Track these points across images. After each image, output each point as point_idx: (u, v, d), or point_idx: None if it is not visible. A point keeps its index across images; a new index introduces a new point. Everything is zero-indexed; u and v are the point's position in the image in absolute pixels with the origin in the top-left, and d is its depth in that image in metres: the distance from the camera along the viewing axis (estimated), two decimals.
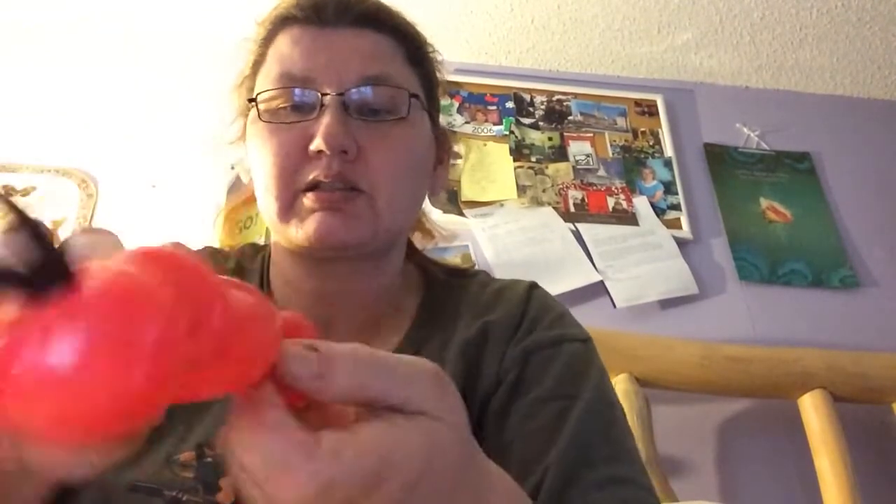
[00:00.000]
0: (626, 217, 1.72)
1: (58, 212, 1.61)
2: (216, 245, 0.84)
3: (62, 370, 0.20)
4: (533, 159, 1.80)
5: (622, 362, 1.38)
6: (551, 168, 1.79)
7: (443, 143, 0.66)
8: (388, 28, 0.59)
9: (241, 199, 1.56)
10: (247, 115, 0.60)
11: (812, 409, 1.40)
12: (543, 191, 1.75)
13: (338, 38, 0.57)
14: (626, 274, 1.61)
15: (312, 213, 0.54)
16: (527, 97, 1.91)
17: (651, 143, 1.87)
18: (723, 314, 1.63)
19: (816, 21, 1.78)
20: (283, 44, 0.58)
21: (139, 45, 1.85)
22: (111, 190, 1.67)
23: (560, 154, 1.82)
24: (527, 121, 1.87)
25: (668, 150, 1.85)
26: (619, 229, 1.69)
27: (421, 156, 0.60)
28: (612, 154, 1.84)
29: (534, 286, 0.63)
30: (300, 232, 0.54)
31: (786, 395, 1.45)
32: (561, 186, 1.76)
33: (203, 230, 1.44)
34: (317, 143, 0.52)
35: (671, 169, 1.82)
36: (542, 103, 1.90)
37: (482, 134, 1.83)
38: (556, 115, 1.89)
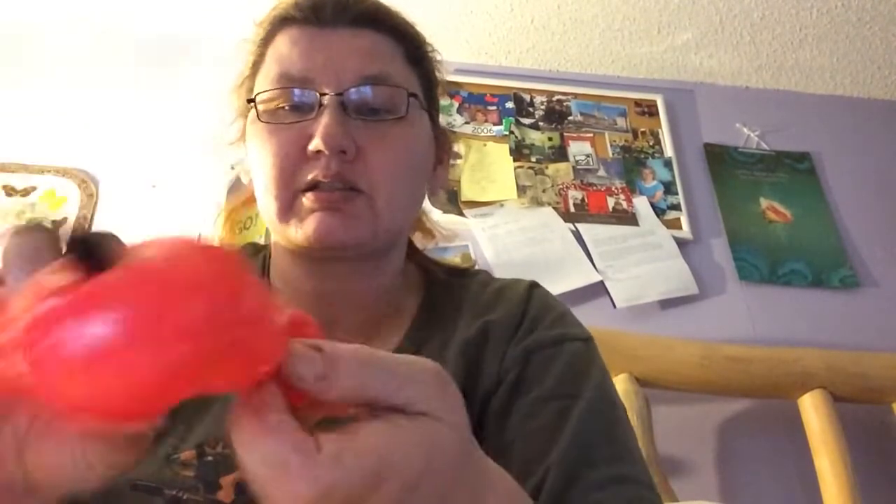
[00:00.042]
0: (626, 217, 1.72)
1: (58, 212, 1.61)
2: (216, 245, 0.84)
3: (105, 342, 0.21)
4: (533, 159, 1.80)
5: (622, 362, 1.38)
6: (551, 168, 1.79)
7: (443, 143, 0.66)
8: (387, 28, 0.59)
9: (241, 199, 1.56)
10: (246, 116, 0.60)
11: (812, 409, 1.40)
12: (543, 191, 1.75)
13: (336, 38, 0.57)
14: (626, 274, 1.61)
15: (312, 214, 0.54)
16: (527, 97, 1.91)
17: (651, 144, 1.87)
18: (723, 314, 1.63)
19: (816, 21, 1.78)
20: (282, 44, 0.58)
21: (139, 45, 1.85)
22: (111, 190, 1.67)
23: (560, 154, 1.82)
24: (527, 121, 1.87)
25: (668, 151, 1.85)
26: (619, 229, 1.69)
27: (420, 155, 0.60)
28: (612, 154, 1.84)
29: (534, 285, 0.63)
30: (299, 232, 0.54)
31: (786, 395, 1.45)
32: (561, 186, 1.76)
33: (203, 230, 1.45)
34: (315, 144, 0.52)
35: (671, 169, 1.82)
36: (542, 103, 1.90)
37: (482, 134, 1.83)
38: (556, 116, 1.89)
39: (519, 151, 1.80)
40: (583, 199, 1.75)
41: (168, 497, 0.47)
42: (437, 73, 0.65)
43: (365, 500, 0.26)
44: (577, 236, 1.66)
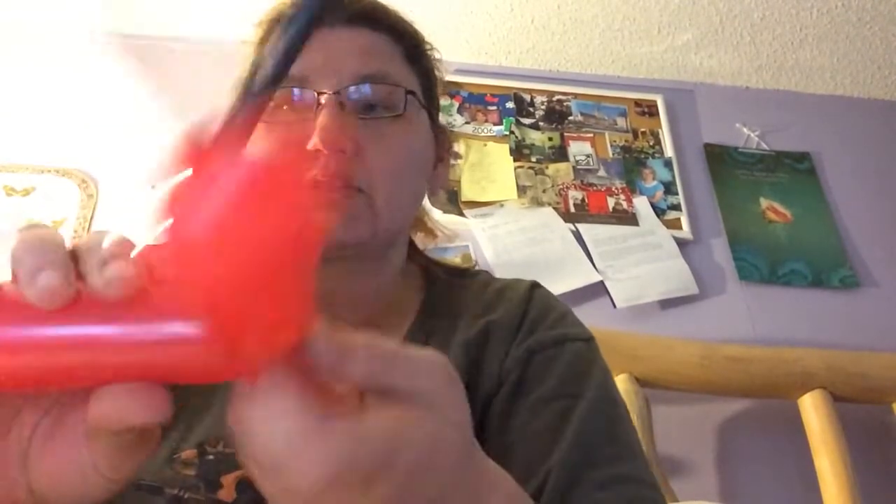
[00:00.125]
0: (626, 217, 1.72)
1: (58, 212, 1.61)
2: None
3: (235, 216, 0.22)
4: (533, 159, 1.80)
5: (622, 362, 1.38)
6: (551, 168, 1.79)
7: (442, 142, 0.66)
8: (385, 26, 0.59)
9: None
10: None
11: (812, 409, 1.40)
12: (543, 191, 1.75)
13: (334, 37, 0.57)
14: (626, 274, 1.61)
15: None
16: (527, 97, 1.91)
17: (651, 144, 1.87)
18: (723, 314, 1.63)
19: (816, 21, 1.78)
20: None
21: (139, 45, 1.85)
22: (111, 190, 1.67)
23: (560, 154, 1.82)
24: (527, 121, 1.87)
25: (668, 151, 1.85)
26: (619, 229, 1.69)
27: (420, 153, 0.60)
28: (613, 154, 1.84)
29: (536, 286, 0.63)
30: None
31: (786, 395, 1.45)
32: (561, 187, 1.76)
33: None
34: (314, 142, 0.52)
35: (671, 169, 1.82)
36: (542, 103, 1.90)
37: (482, 134, 1.83)
38: (556, 116, 1.89)
39: (519, 151, 1.80)
40: (583, 200, 1.75)
41: (169, 496, 0.47)
42: (437, 72, 0.65)
43: (374, 483, 0.26)
44: (577, 236, 1.66)
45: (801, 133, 1.94)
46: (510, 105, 1.88)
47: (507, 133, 1.82)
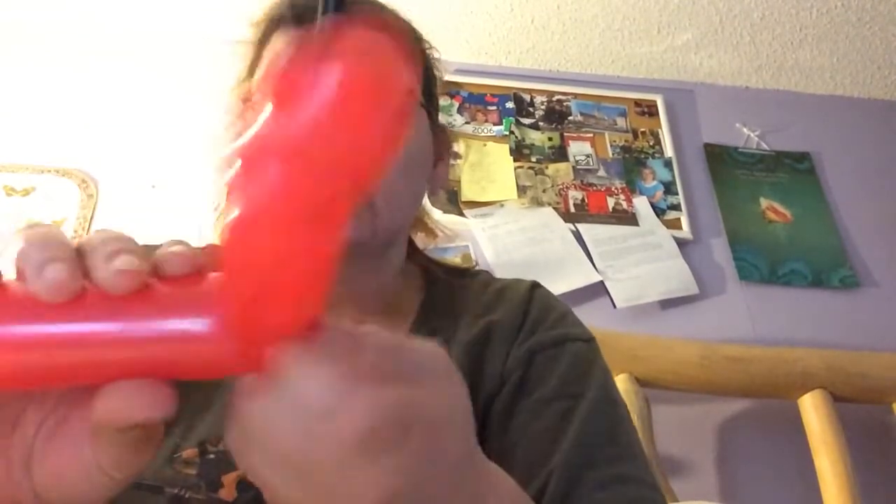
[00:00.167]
0: (626, 217, 1.72)
1: (58, 212, 1.61)
2: (217, 244, 0.84)
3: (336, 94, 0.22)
4: (533, 159, 1.80)
5: (622, 362, 1.38)
6: (551, 168, 1.79)
7: (442, 141, 0.66)
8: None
9: None
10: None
11: (812, 409, 1.40)
12: (543, 191, 1.75)
13: None
14: (626, 274, 1.61)
15: None
16: (527, 97, 1.91)
17: (651, 144, 1.87)
18: (723, 314, 1.63)
19: (816, 21, 1.78)
20: (278, 44, 0.58)
21: (139, 45, 1.85)
22: (111, 190, 1.67)
23: (560, 154, 1.82)
24: (527, 121, 1.87)
25: (668, 151, 1.85)
26: (619, 229, 1.69)
27: (418, 152, 0.60)
28: (612, 154, 1.84)
29: (536, 286, 0.63)
30: None
31: (786, 395, 1.45)
32: (561, 187, 1.76)
33: (203, 230, 1.44)
34: None
35: (671, 169, 1.82)
36: (542, 103, 1.90)
37: (482, 134, 1.83)
38: (556, 116, 1.89)
39: (519, 151, 1.80)
40: (583, 199, 1.75)
41: (170, 495, 0.47)
42: (435, 71, 0.65)
43: (390, 452, 0.26)
44: (577, 236, 1.66)
45: (801, 133, 1.94)
46: (510, 105, 1.88)
47: (507, 133, 1.82)
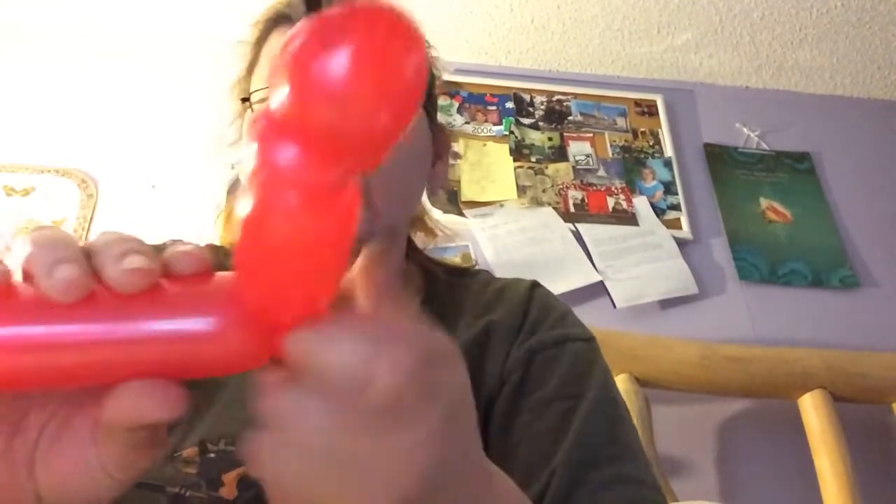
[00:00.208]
0: (626, 217, 1.72)
1: (58, 212, 1.61)
2: (217, 244, 0.84)
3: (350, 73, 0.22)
4: (533, 159, 1.80)
5: (622, 362, 1.38)
6: (551, 168, 1.79)
7: (441, 140, 0.65)
8: None
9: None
10: (244, 117, 0.60)
11: (812, 409, 1.40)
12: (543, 191, 1.75)
13: None
14: (626, 274, 1.61)
15: None
16: (527, 97, 1.91)
17: (651, 144, 1.87)
18: (723, 314, 1.63)
19: (816, 21, 1.78)
20: (276, 43, 0.58)
21: (139, 45, 1.85)
22: (111, 190, 1.67)
23: (560, 154, 1.82)
24: (527, 121, 1.87)
25: (668, 151, 1.85)
26: (619, 229, 1.69)
27: (417, 151, 0.60)
28: (612, 154, 1.84)
29: (536, 285, 0.63)
30: None
31: (786, 395, 1.45)
32: (561, 186, 1.76)
33: (203, 230, 1.44)
34: None
35: (671, 169, 1.82)
36: (541, 103, 1.90)
37: (482, 134, 1.83)
38: (555, 116, 1.89)
39: (519, 151, 1.80)
40: (583, 199, 1.75)
41: (170, 495, 0.47)
42: (434, 70, 0.65)
43: (424, 414, 0.26)
44: (577, 236, 1.66)
45: (801, 133, 1.94)
46: (510, 105, 1.88)
47: (507, 133, 1.82)
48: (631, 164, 1.83)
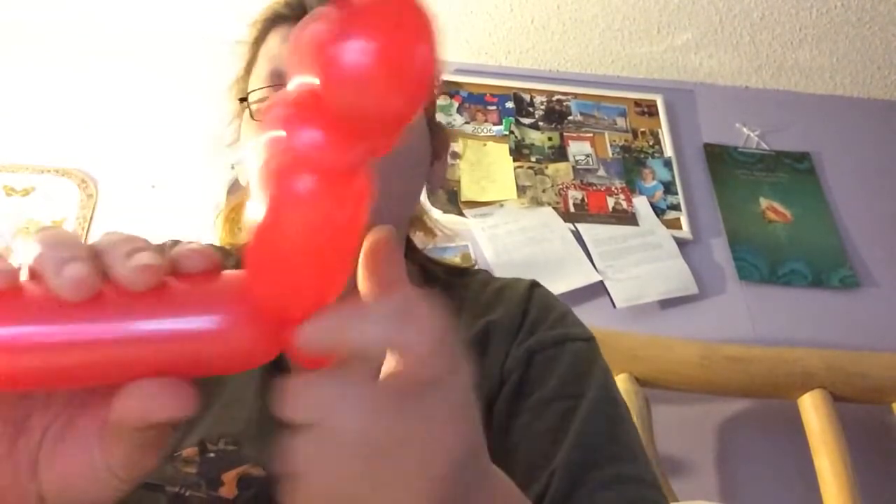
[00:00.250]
0: (626, 217, 1.72)
1: (57, 212, 1.61)
2: (217, 244, 0.84)
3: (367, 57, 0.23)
4: (533, 159, 1.80)
5: (622, 362, 1.38)
6: (551, 168, 1.79)
7: (439, 139, 0.65)
8: None
9: (240, 199, 1.56)
10: (242, 117, 0.60)
11: (812, 409, 1.40)
12: (543, 191, 1.75)
13: None
14: (626, 274, 1.61)
15: None
16: (527, 97, 1.91)
17: (651, 143, 1.87)
18: (723, 314, 1.63)
19: (816, 21, 1.78)
20: (273, 42, 0.58)
21: (139, 45, 1.85)
22: (111, 190, 1.67)
23: (560, 154, 1.82)
24: (526, 121, 1.87)
25: (668, 151, 1.85)
26: (619, 229, 1.69)
27: (415, 149, 0.59)
28: (612, 154, 1.84)
29: (535, 285, 0.63)
30: None
31: (786, 395, 1.45)
32: (561, 186, 1.76)
33: (203, 230, 1.44)
34: None
35: (671, 169, 1.82)
36: (541, 103, 1.90)
37: (482, 134, 1.83)
38: (555, 115, 1.89)
39: (519, 151, 1.80)
40: (583, 199, 1.75)
41: (170, 494, 0.47)
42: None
43: (446, 386, 0.28)
44: (577, 236, 1.66)
45: (801, 133, 1.94)
46: (510, 105, 1.88)
47: (507, 133, 1.82)
48: (631, 164, 1.83)
